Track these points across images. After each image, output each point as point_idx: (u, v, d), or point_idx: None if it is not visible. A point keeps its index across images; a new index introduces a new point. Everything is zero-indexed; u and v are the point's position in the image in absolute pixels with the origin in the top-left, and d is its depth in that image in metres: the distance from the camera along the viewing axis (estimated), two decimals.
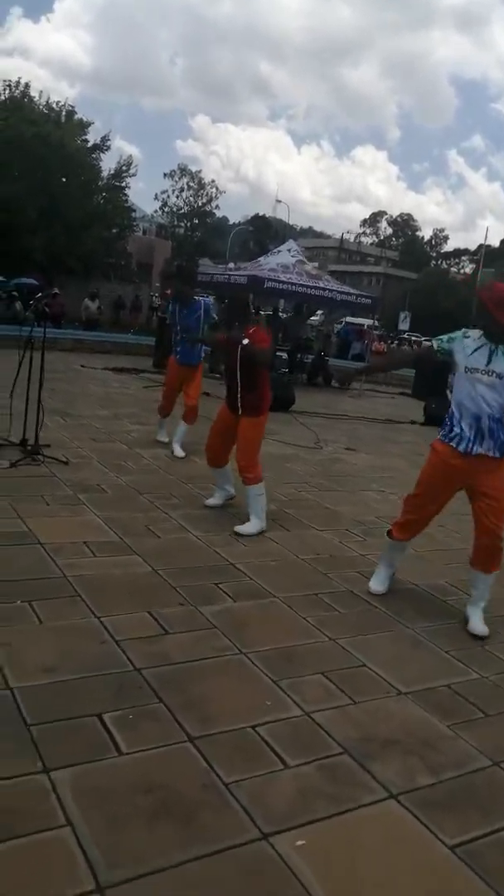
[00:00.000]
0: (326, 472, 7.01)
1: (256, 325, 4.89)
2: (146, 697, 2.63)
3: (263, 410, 4.83)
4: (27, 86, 28.42)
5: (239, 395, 4.72)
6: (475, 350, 3.55)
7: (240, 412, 4.77)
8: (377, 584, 4.01)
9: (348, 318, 25.81)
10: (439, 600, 4.07)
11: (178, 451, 6.63)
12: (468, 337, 3.61)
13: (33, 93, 28.51)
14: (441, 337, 3.74)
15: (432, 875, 2.00)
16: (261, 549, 4.48)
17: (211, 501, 5.19)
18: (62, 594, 3.40)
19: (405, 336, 31.14)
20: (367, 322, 22.56)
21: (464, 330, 3.70)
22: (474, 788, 2.39)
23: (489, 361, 3.50)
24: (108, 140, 29.66)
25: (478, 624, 3.65)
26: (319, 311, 21.56)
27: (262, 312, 18.69)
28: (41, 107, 28.07)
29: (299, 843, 2.00)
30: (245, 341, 4.63)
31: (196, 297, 7.02)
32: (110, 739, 2.35)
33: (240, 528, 4.69)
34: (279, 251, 15.00)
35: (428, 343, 3.87)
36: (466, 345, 3.58)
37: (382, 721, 2.71)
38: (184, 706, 2.60)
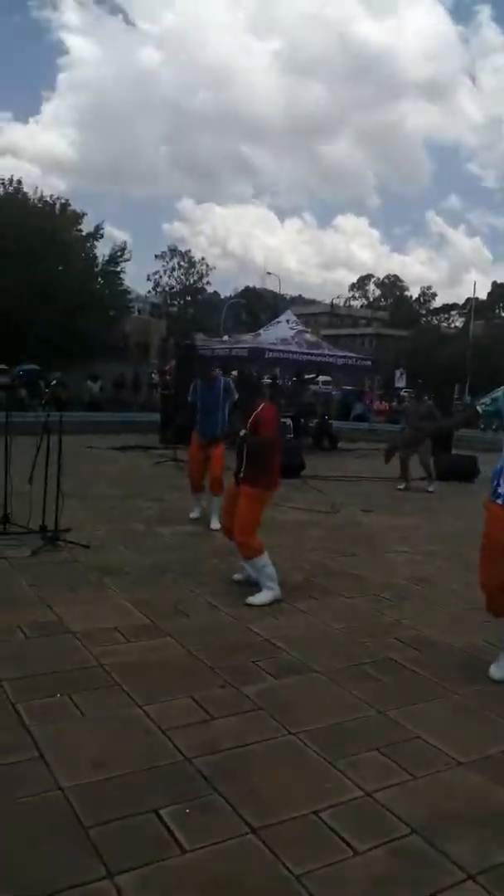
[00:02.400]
0: (346, 536, 6.96)
1: (264, 399, 5.03)
2: (201, 789, 2.54)
3: (262, 483, 4.74)
4: (19, 182, 29.78)
5: (242, 468, 4.77)
6: None
7: (239, 483, 4.79)
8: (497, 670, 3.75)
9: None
10: (481, 661, 3.97)
11: (214, 524, 6.61)
12: None
13: (26, 188, 29.84)
14: (484, 400, 3.76)
15: None
16: (293, 621, 4.41)
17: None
18: (101, 684, 3.33)
19: (403, 393, 31.41)
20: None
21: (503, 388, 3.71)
22: None
23: None
24: (102, 229, 30.81)
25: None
26: (322, 377, 21.85)
27: (265, 380, 18.92)
28: (35, 201, 29.27)
29: None
30: (242, 432, 4.76)
31: (216, 376, 7.11)
32: (171, 837, 2.27)
33: (251, 599, 4.67)
34: (278, 322, 15.31)
35: (473, 407, 3.93)
36: None
37: (447, 795, 2.61)
38: (241, 795, 2.51)
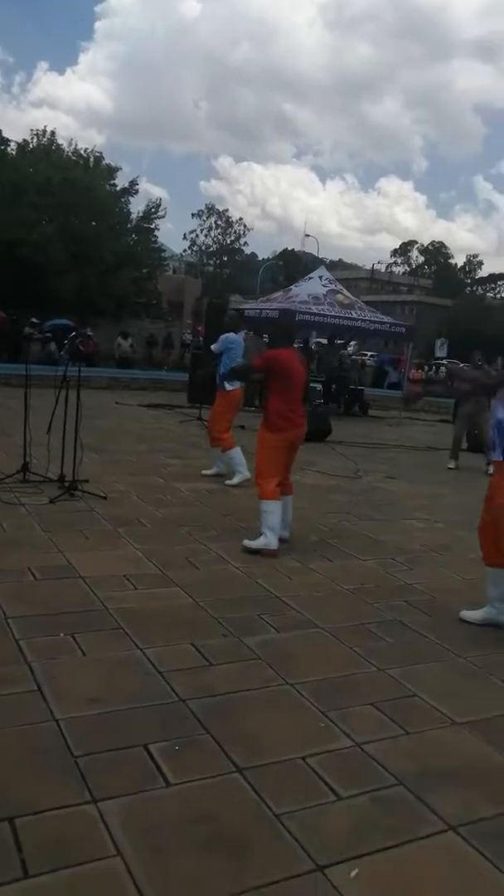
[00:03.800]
0: (367, 502, 6.92)
1: (287, 348, 5.07)
2: (192, 728, 2.58)
3: (267, 424, 4.85)
4: (53, 133, 29.37)
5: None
6: None
7: None
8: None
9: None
10: (491, 629, 3.93)
11: (231, 479, 6.90)
12: None
13: (60, 140, 29.43)
14: None
15: None
16: (303, 579, 4.42)
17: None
18: (105, 627, 3.39)
19: (443, 363, 30.97)
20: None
21: None
22: None
23: None
24: (137, 184, 30.38)
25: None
26: (353, 342, 21.55)
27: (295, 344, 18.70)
28: (69, 153, 28.90)
29: (353, 873, 1.92)
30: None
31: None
32: (157, 770, 2.31)
33: (246, 542, 4.82)
34: (310, 278, 15.00)
35: None
36: None
37: (437, 752, 2.61)
38: (231, 737, 2.54)
